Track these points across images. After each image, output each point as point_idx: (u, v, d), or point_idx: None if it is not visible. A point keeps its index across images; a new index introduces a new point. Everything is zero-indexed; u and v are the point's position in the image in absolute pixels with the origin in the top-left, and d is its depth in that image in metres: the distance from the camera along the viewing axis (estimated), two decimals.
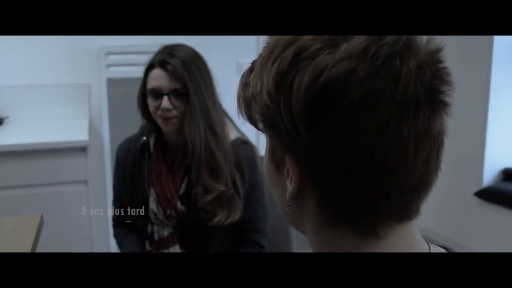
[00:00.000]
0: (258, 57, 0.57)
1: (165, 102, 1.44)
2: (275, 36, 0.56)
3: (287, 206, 0.57)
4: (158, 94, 1.45)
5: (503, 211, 2.78)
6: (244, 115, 0.59)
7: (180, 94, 1.45)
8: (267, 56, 0.54)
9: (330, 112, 0.49)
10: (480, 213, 2.93)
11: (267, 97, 0.52)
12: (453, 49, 2.94)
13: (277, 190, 0.59)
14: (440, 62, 0.52)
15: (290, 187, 0.54)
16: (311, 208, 0.55)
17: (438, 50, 0.52)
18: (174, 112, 1.45)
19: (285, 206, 0.58)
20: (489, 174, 2.90)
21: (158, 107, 1.46)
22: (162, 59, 1.45)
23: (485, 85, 2.81)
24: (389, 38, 0.50)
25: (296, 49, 0.51)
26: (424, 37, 0.52)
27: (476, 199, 2.91)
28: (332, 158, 0.50)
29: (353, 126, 0.48)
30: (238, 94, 0.60)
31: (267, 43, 0.57)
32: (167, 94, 1.44)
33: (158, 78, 1.45)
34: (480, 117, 2.86)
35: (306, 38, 0.51)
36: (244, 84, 0.58)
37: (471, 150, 2.95)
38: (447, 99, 0.51)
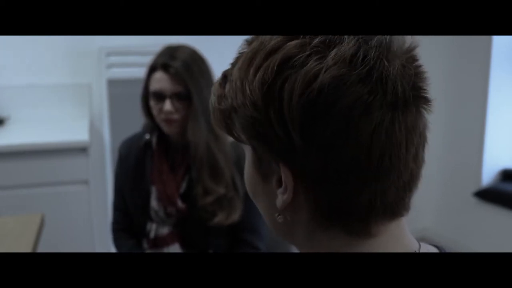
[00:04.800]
0: (233, 68, 0.56)
1: (168, 105, 1.44)
2: (249, 45, 0.55)
3: (278, 216, 0.57)
4: (160, 96, 1.46)
5: (502, 212, 2.79)
6: (222, 128, 0.58)
7: (182, 97, 1.45)
8: (247, 66, 0.53)
9: (325, 118, 0.49)
10: (479, 213, 2.93)
11: (253, 109, 0.52)
12: (452, 49, 2.96)
13: (264, 201, 0.59)
14: (417, 60, 0.53)
15: (283, 196, 0.54)
16: (303, 214, 0.55)
17: (412, 49, 0.53)
18: (176, 115, 1.46)
19: (274, 216, 0.57)
20: (488, 174, 2.90)
21: (160, 110, 1.46)
22: (164, 61, 1.45)
23: (484, 85, 2.81)
24: (374, 41, 0.51)
25: (282, 57, 0.51)
26: (397, 37, 0.53)
27: (475, 200, 2.92)
28: (329, 163, 0.50)
29: (348, 130, 0.49)
30: (212, 107, 0.59)
31: (240, 53, 0.56)
32: (170, 97, 1.45)
33: (161, 80, 1.45)
34: (479, 117, 2.86)
35: (290, 46, 0.51)
36: (219, 96, 0.57)
37: (470, 151, 2.95)
38: (428, 95, 0.53)
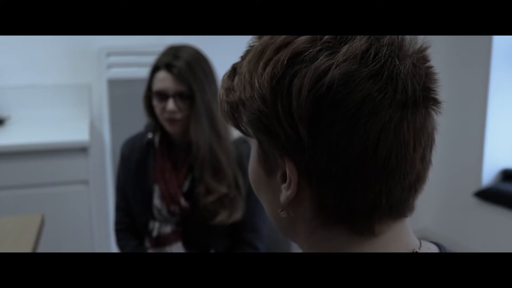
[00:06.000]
0: (242, 61, 0.56)
1: (171, 104, 1.45)
2: (260, 39, 0.55)
3: (281, 211, 0.56)
4: (163, 96, 1.46)
5: (502, 212, 2.79)
6: (229, 120, 0.58)
7: (185, 96, 1.46)
8: (256, 59, 0.53)
9: (333, 114, 0.49)
10: (479, 213, 2.93)
11: (261, 102, 0.52)
12: (452, 49, 2.96)
13: (267, 196, 0.59)
14: (428, 60, 0.53)
15: (288, 191, 0.53)
16: (307, 210, 0.55)
17: (424, 49, 0.53)
18: (179, 115, 1.47)
19: (278, 212, 0.57)
20: (488, 174, 2.90)
21: (163, 109, 1.47)
22: (168, 61, 1.46)
23: (485, 85, 2.81)
24: (386, 39, 0.51)
25: (293, 52, 0.50)
26: (409, 37, 0.53)
27: (475, 200, 2.92)
28: (335, 160, 0.50)
29: (356, 127, 0.49)
30: (220, 99, 0.59)
31: (250, 46, 0.56)
32: (173, 97, 1.45)
33: (164, 80, 1.46)
34: (479, 117, 2.86)
35: (300, 41, 0.51)
36: (227, 89, 0.57)
37: (470, 151, 2.95)
38: (438, 96, 0.53)
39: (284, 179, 0.54)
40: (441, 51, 2.97)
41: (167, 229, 1.54)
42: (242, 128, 0.57)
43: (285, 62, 0.50)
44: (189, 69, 1.45)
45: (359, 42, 0.50)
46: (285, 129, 0.51)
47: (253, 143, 0.58)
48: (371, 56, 0.49)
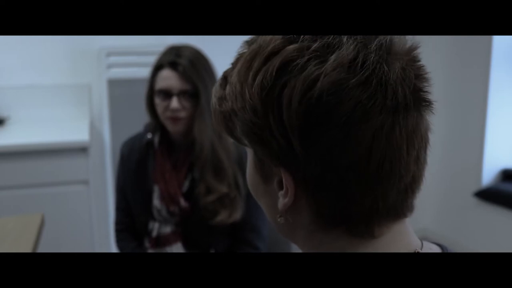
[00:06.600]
0: (233, 69, 0.56)
1: (175, 102, 1.45)
2: (249, 45, 0.55)
3: (279, 217, 0.56)
4: (167, 94, 1.46)
5: (502, 212, 2.78)
6: (223, 129, 0.58)
7: (190, 95, 1.45)
8: (246, 69, 0.53)
9: (324, 123, 0.49)
10: (479, 213, 2.93)
11: (253, 114, 0.51)
12: (452, 49, 2.95)
13: (266, 201, 0.59)
14: (418, 60, 0.53)
15: (285, 199, 0.54)
16: (305, 216, 0.55)
17: (414, 49, 0.53)
18: (183, 113, 1.46)
19: (276, 217, 0.57)
20: (488, 174, 2.90)
21: (166, 108, 1.46)
22: (172, 59, 1.45)
23: (485, 85, 2.81)
24: (374, 45, 0.50)
25: (281, 62, 0.50)
26: (397, 38, 0.52)
27: (475, 200, 2.91)
28: (329, 168, 0.50)
29: (348, 135, 0.49)
30: (213, 108, 0.59)
31: (240, 54, 0.56)
32: (177, 95, 1.45)
33: (168, 78, 1.45)
34: (479, 117, 2.86)
35: (289, 50, 0.50)
36: (219, 98, 0.57)
37: (470, 151, 2.95)
38: (429, 97, 0.52)
39: (280, 186, 0.54)
40: (441, 51, 2.97)
41: (167, 229, 1.53)
42: (237, 137, 0.57)
43: (274, 73, 0.50)
44: (193, 67, 1.45)
45: (346, 51, 0.49)
46: (278, 139, 0.51)
47: (249, 151, 0.58)
48: (359, 64, 0.49)
